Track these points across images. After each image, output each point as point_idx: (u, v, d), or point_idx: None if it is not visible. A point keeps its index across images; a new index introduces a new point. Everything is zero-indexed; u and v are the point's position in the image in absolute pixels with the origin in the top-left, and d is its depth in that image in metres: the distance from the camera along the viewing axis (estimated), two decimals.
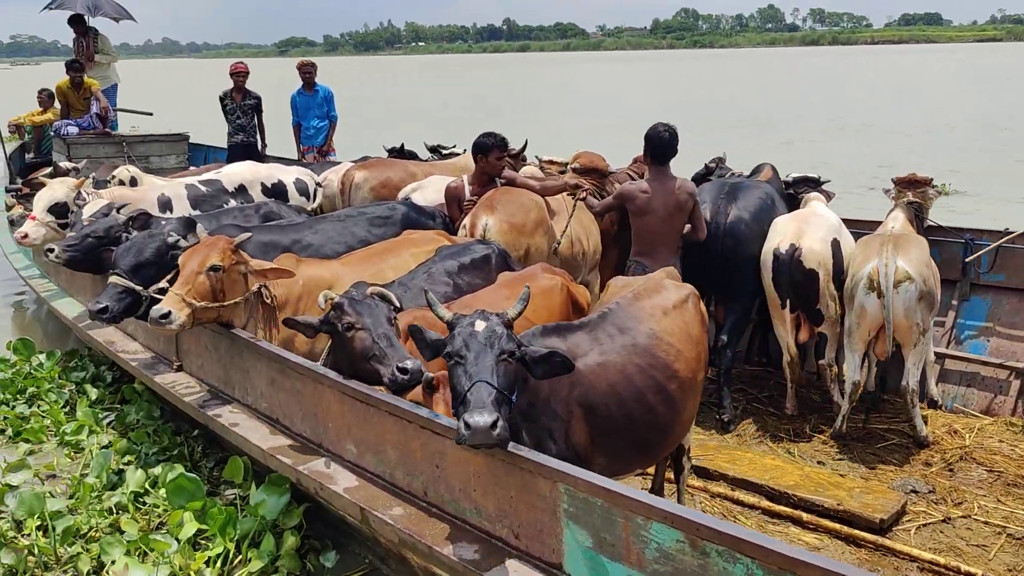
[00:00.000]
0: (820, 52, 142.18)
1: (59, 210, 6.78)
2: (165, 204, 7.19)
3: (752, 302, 6.33)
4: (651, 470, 4.83)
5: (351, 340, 3.88)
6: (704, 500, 5.01)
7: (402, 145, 10.17)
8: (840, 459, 5.52)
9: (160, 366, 5.43)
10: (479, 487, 3.24)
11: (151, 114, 13.12)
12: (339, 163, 9.66)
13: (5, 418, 6.19)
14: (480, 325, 3.15)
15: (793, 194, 6.89)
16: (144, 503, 4.84)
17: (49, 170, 8.29)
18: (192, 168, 10.29)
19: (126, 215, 6.02)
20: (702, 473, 5.28)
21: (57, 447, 5.83)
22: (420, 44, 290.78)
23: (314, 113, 11.40)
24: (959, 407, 6.12)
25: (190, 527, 4.32)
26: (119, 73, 13.22)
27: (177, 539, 4.29)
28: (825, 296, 5.81)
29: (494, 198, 6.18)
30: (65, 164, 8.32)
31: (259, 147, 11.42)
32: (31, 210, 7.07)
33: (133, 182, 7.81)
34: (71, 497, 4.91)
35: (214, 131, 12.33)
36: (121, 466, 5.24)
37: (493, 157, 6.45)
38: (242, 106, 11.26)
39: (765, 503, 4.94)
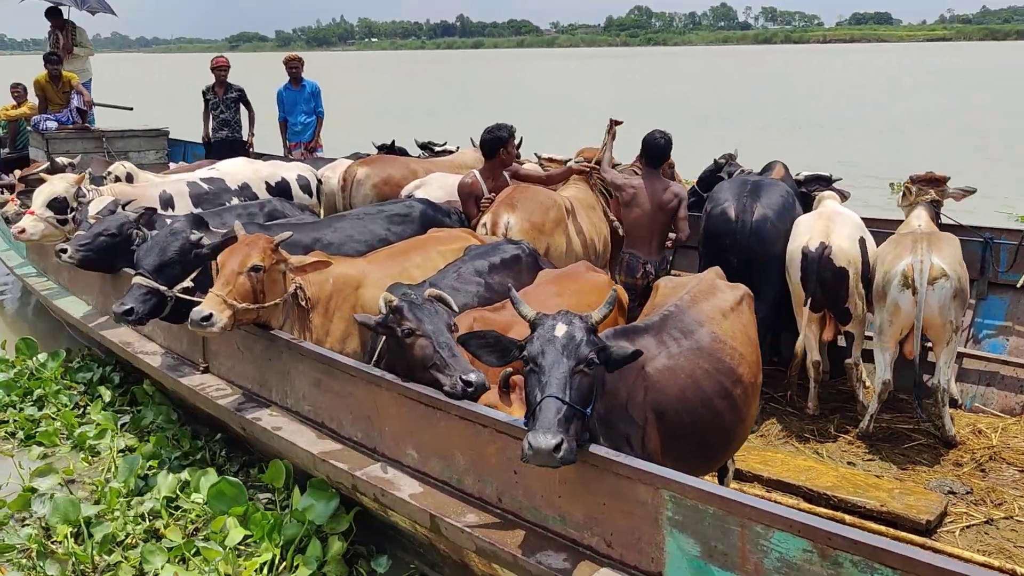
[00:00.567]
0: (773, 51, 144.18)
1: (58, 206, 6.54)
2: (167, 201, 6.99)
3: (774, 300, 6.30)
4: None
5: (411, 347, 3.75)
6: None
7: (392, 142, 10.04)
8: (870, 459, 5.50)
9: (184, 368, 5.23)
10: (564, 493, 3.15)
11: (131, 109, 12.80)
12: (330, 160, 9.50)
13: (15, 420, 5.96)
14: (560, 330, 3.03)
15: (805, 192, 6.90)
16: (176, 508, 4.67)
17: (47, 165, 8.00)
18: (182, 164, 10.04)
19: (132, 212, 5.82)
20: (736, 475, 5.24)
21: (71, 451, 5.61)
22: (373, 40, 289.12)
23: (301, 109, 11.20)
24: (979, 406, 6.16)
25: (236, 533, 4.18)
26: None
27: (223, 545, 4.13)
28: (854, 295, 5.80)
29: (514, 197, 6.12)
30: (62, 160, 8.04)
31: (243, 141, 11.18)
32: (27, 206, 6.82)
33: (129, 178, 7.58)
34: (97, 503, 4.73)
35: (174, 125, 12.08)
36: (145, 471, 5.05)
37: (511, 147, 6.63)
38: (224, 100, 11.02)
39: (804, 505, 4.90)
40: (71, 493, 4.82)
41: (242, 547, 4.27)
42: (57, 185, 6.56)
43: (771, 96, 42.95)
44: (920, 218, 6.11)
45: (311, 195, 7.90)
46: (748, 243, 6.07)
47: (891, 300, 5.49)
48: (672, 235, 6.50)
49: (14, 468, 5.28)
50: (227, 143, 10.98)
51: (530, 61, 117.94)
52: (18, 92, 12.10)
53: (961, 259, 5.57)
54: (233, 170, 7.78)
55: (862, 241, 5.92)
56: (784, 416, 6.16)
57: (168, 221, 5.78)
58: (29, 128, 11.51)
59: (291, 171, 7.93)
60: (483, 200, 6.39)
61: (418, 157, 9.57)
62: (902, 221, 6.24)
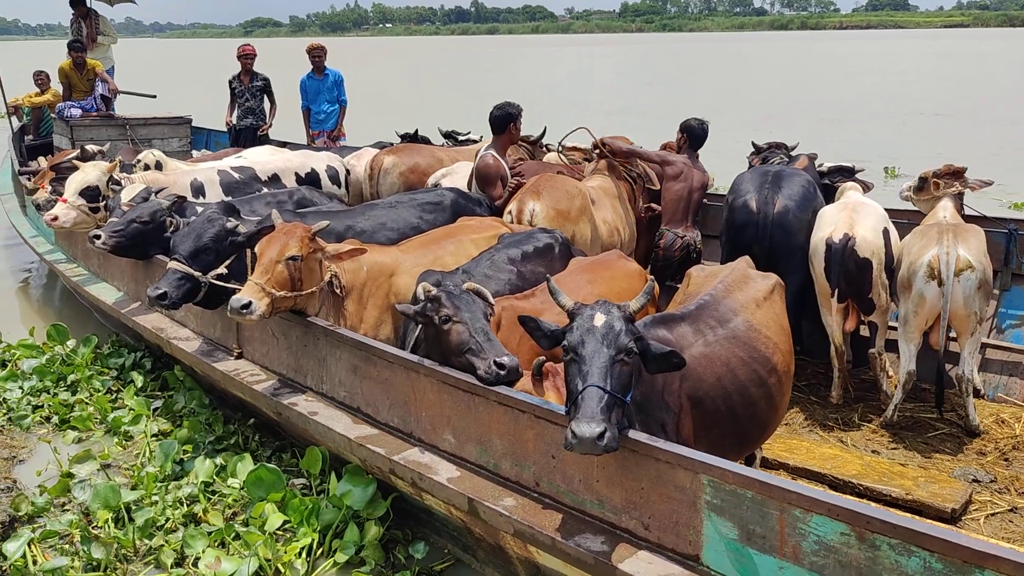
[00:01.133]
0: (789, 37, 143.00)
1: (90, 194, 6.64)
2: (198, 189, 7.07)
3: (798, 291, 6.33)
4: None
5: (448, 333, 3.81)
6: None
7: (416, 131, 10.09)
8: (894, 448, 5.55)
9: (218, 353, 5.32)
10: (603, 478, 3.22)
11: (155, 96, 12.87)
12: (354, 148, 9.57)
13: (49, 405, 6.07)
14: (599, 319, 3.08)
15: (828, 184, 6.92)
16: (213, 493, 4.77)
17: (77, 153, 8.10)
18: (206, 152, 10.13)
19: (165, 199, 5.91)
20: (761, 463, 5.29)
21: (105, 435, 5.72)
22: (387, 25, 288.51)
23: (324, 97, 11.27)
24: (1002, 396, 6.18)
25: (275, 518, 4.27)
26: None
27: (262, 530, 4.22)
28: (877, 285, 5.83)
29: (539, 184, 6.20)
30: (92, 147, 8.13)
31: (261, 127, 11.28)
32: (59, 193, 6.92)
33: (158, 166, 7.68)
34: (134, 488, 4.82)
35: (192, 112, 12.20)
36: (180, 456, 5.15)
37: (519, 124, 6.94)
38: (250, 88, 11.12)
39: (830, 493, 4.96)
40: (109, 478, 4.92)
41: (281, 532, 4.36)
42: (90, 173, 6.65)
43: (786, 83, 42.71)
44: (946, 209, 6.13)
45: (340, 185, 7.97)
46: (771, 234, 6.12)
47: (916, 291, 5.51)
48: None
49: (51, 454, 5.39)
50: (252, 131, 11.11)
51: (545, 47, 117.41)
52: (41, 79, 12.21)
53: (986, 251, 5.60)
54: (263, 159, 7.86)
55: (886, 232, 5.95)
56: (808, 405, 6.21)
57: (199, 209, 5.88)
58: (53, 115, 11.61)
59: (320, 161, 8.00)
60: (511, 181, 6.54)
61: (441, 146, 9.62)
62: (913, 211, 6.28)
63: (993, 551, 2.29)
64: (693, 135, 7.15)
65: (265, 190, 7.35)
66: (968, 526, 4.65)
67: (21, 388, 6.36)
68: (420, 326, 4.00)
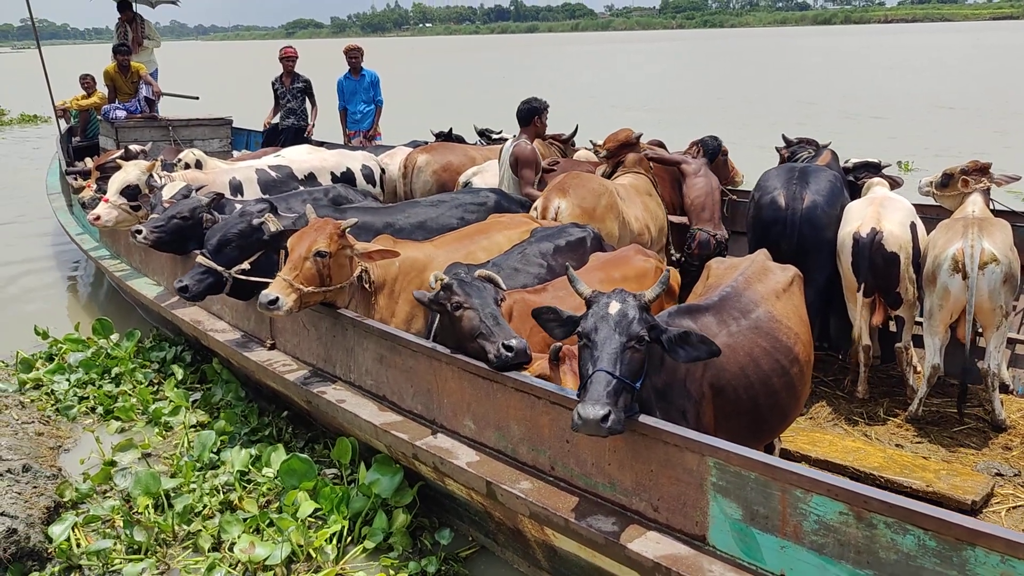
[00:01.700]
0: (831, 32, 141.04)
1: (130, 192, 6.88)
2: (236, 188, 7.29)
3: (824, 286, 6.36)
4: None
5: (459, 319, 3.95)
6: None
7: (450, 129, 10.23)
8: (918, 442, 5.56)
9: (252, 345, 5.51)
10: (614, 461, 3.33)
11: (197, 98, 13.19)
12: (389, 147, 9.73)
13: (94, 397, 6.32)
14: (614, 307, 3.19)
15: (853, 180, 6.93)
16: (249, 481, 4.96)
17: (121, 152, 8.38)
18: (245, 152, 10.38)
19: (204, 196, 6.11)
20: (783, 454, 5.33)
21: (146, 426, 5.95)
22: (428, 25, 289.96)
23: (360, 98, 11.48)
24: None
25: (307, 506, 4.44)
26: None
27: (295, 517, 4.39)
28: (904, 280, 5.85)
29: (566, 182, 6.29)
30: (135, 147, 8.41)
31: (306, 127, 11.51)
32: (104, 192, 7.17)
33: (198, 165, 7.91)
34: (173, 476, 5.03)
35: (234, 112, 12.49)
36: (217, 446, 5.35)
37: (544, 117, 7.26)
38: (291, 90, 11.37)
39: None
40: (149, 466, 5.13)
41: (312, 519, 4.52)
42: (130, 173, 6.90)
43: (818, 80, 42.22)
44: (975, 204, 6.10)
45: (375, 184, 8.13)
46: (800, 230, 6.13)
47: (941, 284, 5.52)
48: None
49: (94, 443, 5.63)
50: (293, 131, 11.36)
51: (584, 45, 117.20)
52: (87, 82, 12.59)
53: (1012, 245, 5.58)
54: (300, 158, 8.05)
55: (913, 226, 5.95)
56: (834, 399, 6.23)
57: (237, 206, 6.07)
58: (99, 117, 11.96)
59: (356, 160, 8.17)
60: (548, 161, 6.82)
61: (475, 144, 9.76)
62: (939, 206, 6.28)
63: (985, 529, 2.37)
64: (707, 148, 7.48)
65: (301, 188, 7.54)
66: (989, 519, 4.66)
67: (68, 380, 6.62)
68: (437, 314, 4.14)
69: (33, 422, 5.84)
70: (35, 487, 4.68)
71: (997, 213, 6.37)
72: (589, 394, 2.98)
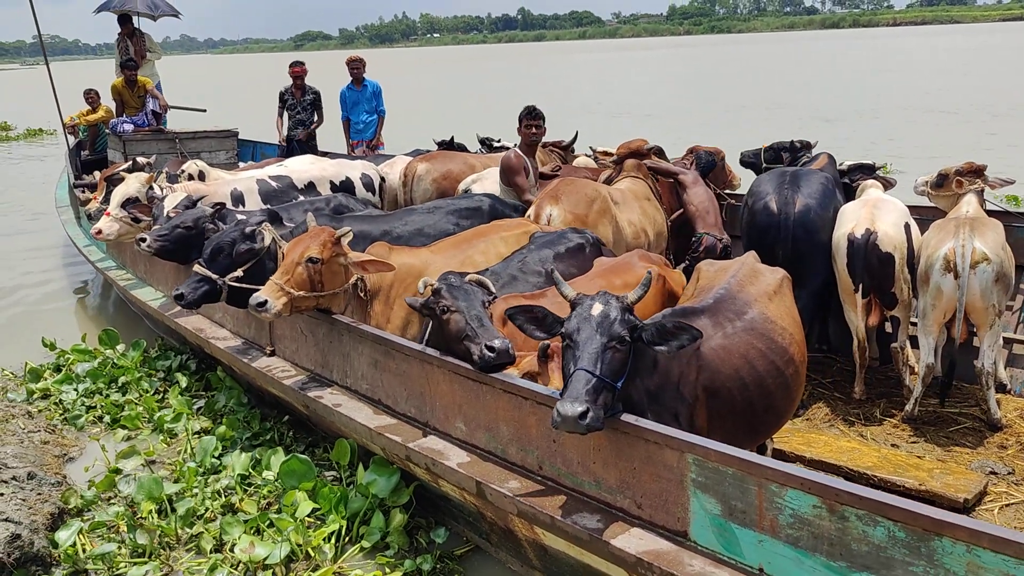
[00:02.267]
0: (838, 36, 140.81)
1: (131, 205, 7.01)
2: (238, 198, 7.39)
3: (820, 289, 6.40)
4: None
5: (447, 322, 4.03)
6: None
7: (452, 138, 10.32)
8: (914, 442, 5.59)
9: (252, 352, 5.61)
10: (599, 460, 3.39)
11: (204, 111, 13.35)
12: (389, 156, 9.83)
13: (102, 406, 6.44)
14: (596, 309, 3.27)
15: (848, 182, 6.98)
16: (249, 485, 5.05)
17: (128, 165, 8.52)
18: (251, 163, 10.52)
19: (207, 207, 6.22)
20: (778, 455, 5.36)
21: (151, 433, 6.06)
22: (435, 35, 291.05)
23: (363, 108, 11.60)
24: None
25: (305, 506, 4.53)
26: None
27: (294, 517, 4.48)
28: (899, 280, 5.89)
29: (558, 189, 6.37)
30: (141, 159, 8.55)
31: (313, 135, 11.64)
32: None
33: (201, 176, 8.02)
34: (176, 481, 5.13)
35: (242, 125, 12.63)
36: (219, 451, 5.45)
37: (524, 125, 7.22)
38: (302, 102, 11.52)
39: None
40: (152, 472, 5.24)
41: (311, 519, 4.62)
42: (131, 186, 7.05)
43: (834, 84, 42.22)
44: (970, 204, 6.15)
45: (374, 192, 8.21)
46: (793, 234, 6.17)
47: (934, 284, 5.56)
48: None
49: (99, 451, 5.73)
50: (302, 141, 11.51)
51: (591, 53, 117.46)
52: (92, 97, 12.78)
53: (1004, 244, 5.62)
54: (300, 168, 8.16)
55: (907, 227, 6.00)
56: (831, 400, 6.27)
57: (239, 216, 6.18)
58: (107, 131, 12.13)
59: (356, 170, 8.26)
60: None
61: (476, 153, 9.84)
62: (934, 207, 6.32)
63: (949, 519, 2.42)
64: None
65: (301, 197, 7.65)
66: (982, 516, 4.70)
67: (76, 390, 6.74)
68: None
69: (39, 431, 5.95)
70: (39, 494, 4.78)
71: (991, 213, 6.41)
72: (568, 392, 3.06)
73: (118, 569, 4.37)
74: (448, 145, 10.06)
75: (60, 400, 6.64)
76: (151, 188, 7.16)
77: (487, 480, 3.72)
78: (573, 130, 9.39)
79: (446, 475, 3.95)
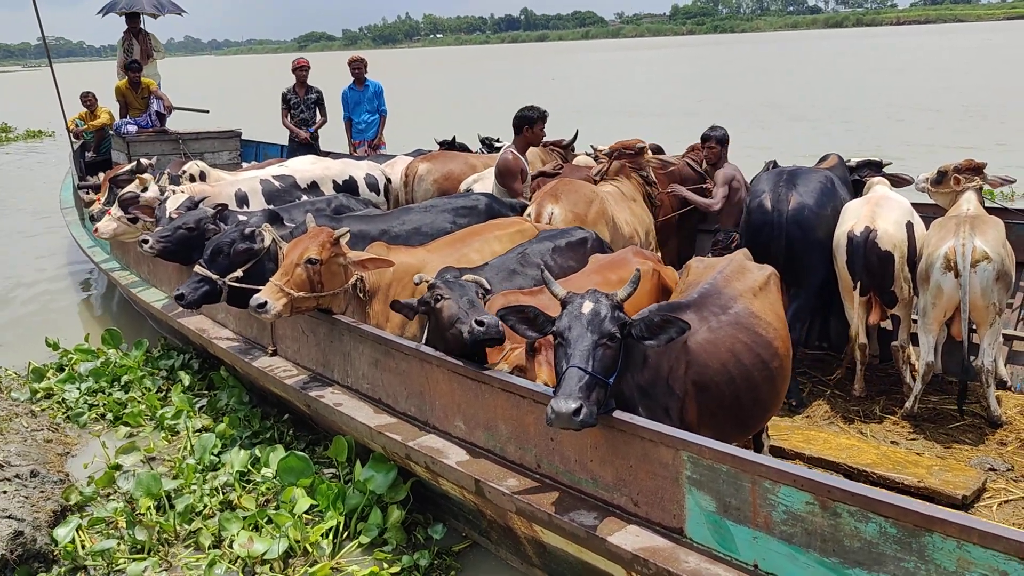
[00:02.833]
0: (845, 34, 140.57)
1: (126, 203, 7.11)
2: (242, 199, 7.43)
3: (818, 287, 6.41)
4: None
5: (440, 311, 4.08)
6: None
7: (454, 138, 10.35)
8: (914, 439, 5.61)
9: (254, 352, 5.65)
10: (596, 458, 3.42)
11: (207, 111, 13.39)
12: (390, 157, 9.85)
13: (104, 404, 6.48)
14: (587, 307, 3.30)
15: (858, 179, 6.98)
16: (248, 482, 5.09)
17: (133, 165, 8.57)
18: (254, 163, 10.55)
19: (210, 208, 6.26)
20: (778, 453, 5.40)
21: (153, 431, 6.10)
22: (439, 36, 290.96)
23: (364, 108, 11.61)
24: None
25: (303, 502, 4.57)
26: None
27: (292, 513, 4.52)
28: (899, 278, 5.90)
29: (558, 189, 6.40)
30: (144, 161, 8.60)
31: (316, 136, 11.66)
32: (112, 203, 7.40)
33: (202, 176, 8.05)
34: (175, 478, 5.17)
35: (246, 125, 12.68)
36: (219, 449, 5.48)
37: (539, 128, 7.19)
38: (305, 100, 11.55)
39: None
40: (152, 469, 5.28)
41: (309, 515, 4.66)
42: (130, 188, 7.11)
43: (840, 82, 42.19)
44: (970, 202, 6.15)
45: (378, 193, 8.22)
46: (787, 231, 6.19)
47: (934, 283, 5.58)
48: None
49: (100, 448, 5.77)
50: (306, 142, 11.54)
51: (594, 53, 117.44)
52: (89, 100, 12.83)
53: (1005, 242, 5.63)
54: (303, 168, 8.18)
55: (909, 225, 6.00)
56: (831, 398, 6.29)
57: (240, 217, 6.22)
58: (112, 133, 12.18)
59: (360, 169, 8.27)
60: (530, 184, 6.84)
61: (478, 153, 9.87)
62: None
63: (939, 515, 2.44)
64: (725, 142, 7.46)
65: (304, 197, 7.68)
66: (980, 513, 4.71)
67: (79, 389, 6.79)
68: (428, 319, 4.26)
69: (43, 429, 6.00)
70: (42, 491, 4.82)
71: (991, 210, 6.42)
72: (562, 389, 3.09)
73: (117, 565, 4.42)
74: (450, 145, 10.09)
75: (63, 399, 6.68)
76: (146, 188, 7.23)
77: (486, 478, 3.75)
78: (574, 129, 9.41)
79: (445, 473, 3.98)
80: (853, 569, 2.65)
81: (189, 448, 5.59)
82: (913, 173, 6.92)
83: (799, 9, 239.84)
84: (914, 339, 6.17)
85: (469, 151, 10.02)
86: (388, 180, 8.45)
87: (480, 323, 3.86)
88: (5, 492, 4.67)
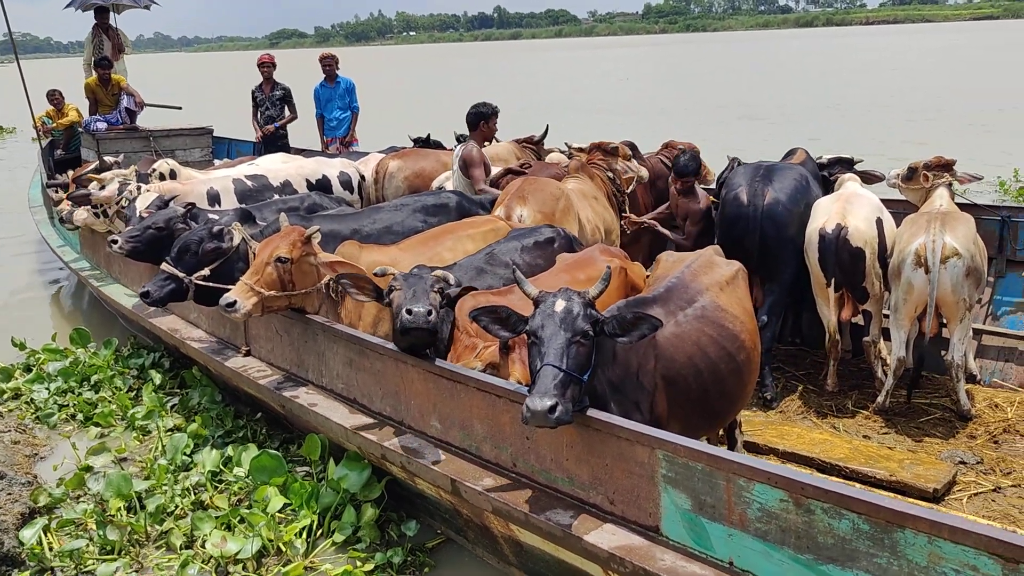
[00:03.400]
0: (815, 34, 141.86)
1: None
2: (213, 197, 7.35)
3: (791, 282, 6.46)
4: None
5: (391, 302, 4.07)
6: None
7: (428, 135, 10.32)
8: (885, 433, 5.67)
9: (228, 352, 5.59)
10: (572, 456, 3.41)
11: (180, 108, 13.24)
12: (363, 154, 9.80)
13: (74, 404, 6.40)
14: (560, 305, 3.30)
15: (827, 176, 7.04)
16: (220, 481, 5.04)
17: (96, 164, 8.46)
18: (226, 160, 10.46)
19: (180, 207, 6.19)
20: (752, 448, 5.44)
21: (124, 431, 6.03)
22: (411, 34, 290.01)
23: (336, 104, 11.59)
24: (998, 381, 6.28)
25: (276, 501, 4.54)
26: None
27: (265, 512, 4.48)
28: (870, 274, 5.96)
29: (524, 189, 6.41)
30: (109, 158, 8.49)
31: (283, 134, 11.58)
32: (78, 202, 7.33)
33: (172, 175, 7.97)
34: (146, 478, 5.12)
35: (218, 122, 12.57)
36: (191, 448, 5.43)
37: (492, 123, 7.53)
38: (270, 97, 11.46)
39: (817, 476, 5.10)
40: (123, 470, 5.21)
41: (282, 514, 4.63)
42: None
43: (808, 81, 42.59)
44: (941, 198, 6.23)
45: (352, 191, 8.16)
46: (761, 227, 6.25)
47: (905, 279, 5.64)
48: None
49: (70, 449, 5.69)
50: (273, 138, 11.46)
51: (567, 51, 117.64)
52: (56, 98, 12.65)
53: (975, 238, 5.69)
54: (275, 167, 8.10)
55: (879, 221, 6.06)
56: (804, 393, 6.34)
57: (211, 216, 6.16)
58: (81, 130, 12.02)
59: (333, 168, 8.20)
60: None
61: (450, 150, 9.84)
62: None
63: (910, 511, 2.46)
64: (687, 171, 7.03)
65: (277, 196, 7.61)
66: (951, 505, 4.77)
67: (47, 389, 6.69)
68: None
69: (10, 431, 5.92)
70: (9, 494, 4.75)
71: (962, 207, 6.50)
72: (537, 387, 3.08)
73: (87, 566, 4.37)
74: (424, 142, 10.06)
75: (31, 399, 6.59)
76: (103, 187, 7.19)
77: (462, 478, 3.74)
78: (549, 127, 9.41)
79: (421, 473, 3.96)
80: (827, 565, 2.67)
81: (161, 448, 5.54)
82: (882, 170, 7.00)
83: (770, 9, 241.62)
84: (886, 334, 6.24)
85: (444, 148, 9.99)
86: (362, 178, 8.39)
87: (409, 312, 3.84)
88: None
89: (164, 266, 5.25)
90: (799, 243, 6.21)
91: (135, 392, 6.61)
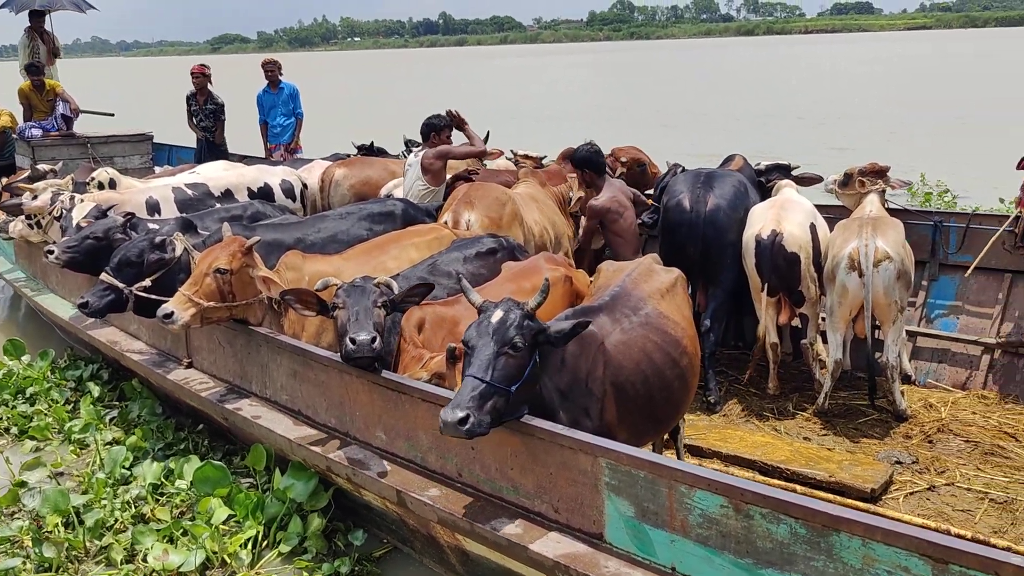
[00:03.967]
0: (756, 42, 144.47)
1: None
2: (153, 207, 7.22)
3: (733, 287, 6.57)
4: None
5: (336, 320, 4.07)
6: None
7: (371, 143, 10.26)
8: (825, 434, 5.79)
9: (169, 364, 5.51)
10: (516, 466, 3.44)
11: (112, 115, 12.98)
12: (309, 160, 9.72)
13: (8, 418, 6.25)
14: (495, 316, 3.32)
15: (764, 182, 7.17)
16: (162, 494, 4.96)
17: (28, 173, 8.25)
18: (167, 167, 10.28)
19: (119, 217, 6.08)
20: (695, 451, 5.52)
21: (61, 444, 5.90)
22: (356, 39, 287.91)
23: (280, 111, 11.45)
24: (932, 382, 6.46)
25: (221, 512, 4.48)
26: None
27: (209, 524, 4.42)
28: (806, 278, 6.10)
29: (471, 194, 6.42)
30: (43, 167, 8.29)
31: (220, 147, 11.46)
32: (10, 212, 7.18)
33: (112, 184, 7.80)
34: (84, 493, 5.02)
35: (158, 129, 12.38)
36: (130, 462, 5.33)
37: (445, 135, 7.30)
38: (204, 109, 11.30)
39: (759, 478, 5.18)
40: (59, 485, 5.09)
41: (227, 526, 4.57)
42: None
43: (750, 88, 43.38)
44: (872, 204, 6.40)
45: (294, 199, 8.08)
46: (703, 232, 6.34)
47: (839, 282, 5.78)
48: None
49: (3, 464, 5.55)
50: (206, 144, 11.34)
51: (512, 58, 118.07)
52: None
53: (905, 242, 5.86)
54: (216, 175, 7.98)
55: (813, 227, 6.21)
56: (746, 396, 6.44)
57: (152, 226, 6.05)
58: (15, 136, 11.72)
59: (275, 176, 8.10)
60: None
61: (396, 157, 9.80)
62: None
63: (844, 515, 2.54)
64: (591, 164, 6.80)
65: (218, 205, 7.51)
66: (888, 504, 4.89)
67: None
68: None
69: None
70: None
71: (892, 212, 6.69)
72: (454, 399, 3.12)
73: None
74: (368, 150, 10.00)
75: None
76: (35, 197, 7.04)
77: (407, 489, 3.73)
78: (497, 133, 9.41)
79: (367, 485, 3.95)
80: (766, 570, 2.73)
81: (99, 462, 5.42)
82: (821, 175, 7.15)
83: (712, 17, 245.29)
84: (823, 337, 6.38)
85: (388, 155, 9.94)
86: (305, 186, 8.31)
87: (352, 341, 3.85)
88: None
89: (104, 276, 5.16)
90: (739, 248, 6.32)
91: (72, 405, 6.46)
